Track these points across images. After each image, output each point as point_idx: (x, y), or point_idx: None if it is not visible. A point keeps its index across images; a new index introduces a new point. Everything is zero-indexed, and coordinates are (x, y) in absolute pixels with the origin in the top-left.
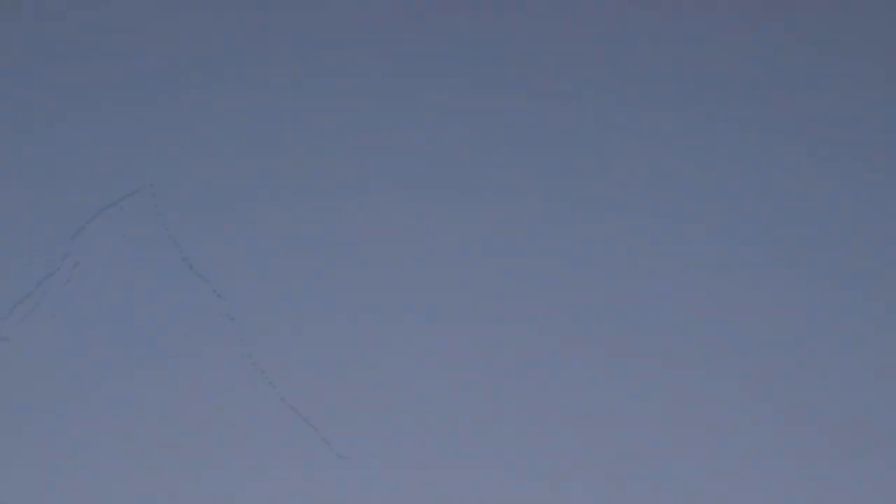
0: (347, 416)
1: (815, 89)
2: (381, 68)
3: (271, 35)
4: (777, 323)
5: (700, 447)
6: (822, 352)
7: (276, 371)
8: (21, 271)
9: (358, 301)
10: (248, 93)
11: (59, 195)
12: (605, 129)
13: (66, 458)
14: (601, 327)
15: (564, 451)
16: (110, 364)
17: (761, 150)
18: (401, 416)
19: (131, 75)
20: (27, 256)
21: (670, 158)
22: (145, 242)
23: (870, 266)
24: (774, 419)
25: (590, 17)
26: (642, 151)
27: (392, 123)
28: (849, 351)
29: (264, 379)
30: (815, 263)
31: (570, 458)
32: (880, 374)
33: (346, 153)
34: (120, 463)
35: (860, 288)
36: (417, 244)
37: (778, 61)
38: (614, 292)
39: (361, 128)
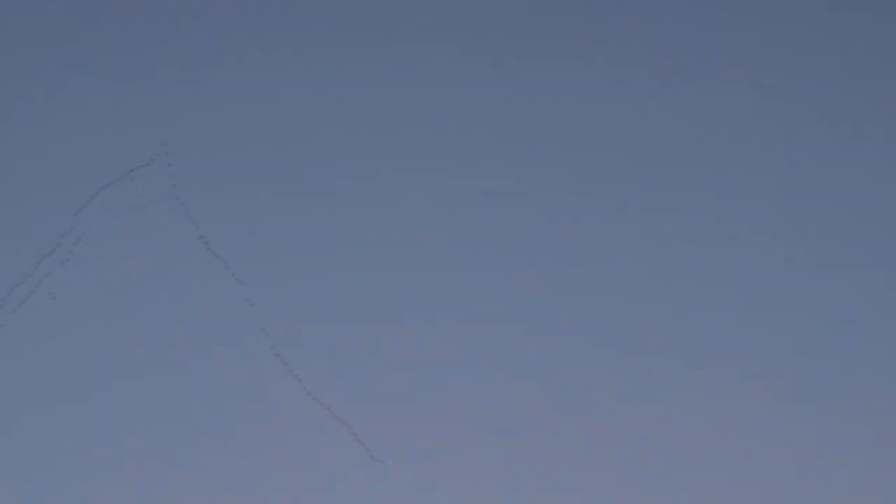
0: (373, 412)
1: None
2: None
3: (298, 8)
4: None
5: (713, 448)
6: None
7: (300, 363)
8: (18, 251)
9: (387, 292)
10: (276, 64)
11: (60, 167)
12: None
13: (66, 453)
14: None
15: (608, 453)
16: (114, 354)
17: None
18: (426, 415)
19: (145, 40)
20: (26, 234)
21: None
22: (157, 218)
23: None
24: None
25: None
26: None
27: (426, 108)
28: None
29: (288, 372)
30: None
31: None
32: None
33: (378, 133)
34: (128, 459)
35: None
36: (447, 233)
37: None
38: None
39: (390, 111)
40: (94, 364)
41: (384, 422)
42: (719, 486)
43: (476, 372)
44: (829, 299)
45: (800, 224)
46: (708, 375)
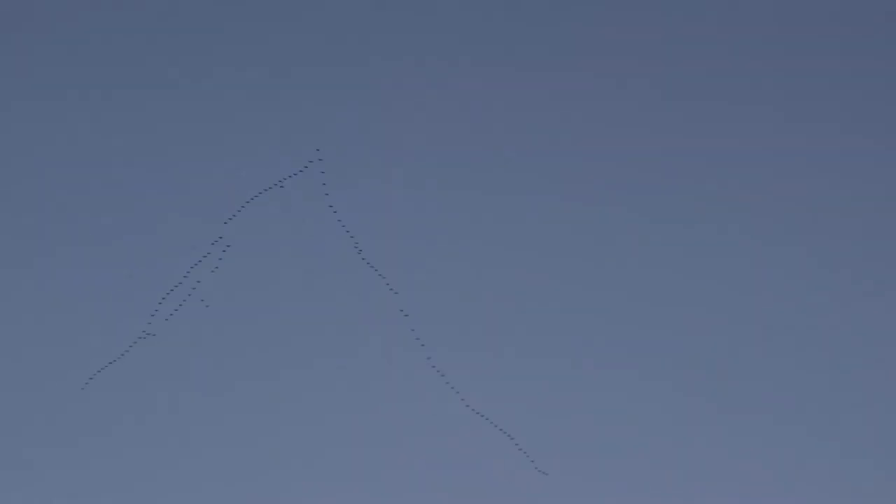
0: (531, 424)
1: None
2: None
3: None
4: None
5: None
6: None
7: (456, 375)
8: (169, 260)
9: (545, 304)
10: (434, 67)
11: (210, 176)
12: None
13: (219, 456)
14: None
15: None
16: (264, 362)
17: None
18: (584, 425)
19: (298, 42)
20: (177, 243)
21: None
22: (309, 226)
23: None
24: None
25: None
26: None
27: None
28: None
29: (445, 384)
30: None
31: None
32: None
33: (536, 142)
34: (274, 466)
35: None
36: (611, 237)
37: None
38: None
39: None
40: (244, 370)
41: (543, 433)
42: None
43: (637, 382)
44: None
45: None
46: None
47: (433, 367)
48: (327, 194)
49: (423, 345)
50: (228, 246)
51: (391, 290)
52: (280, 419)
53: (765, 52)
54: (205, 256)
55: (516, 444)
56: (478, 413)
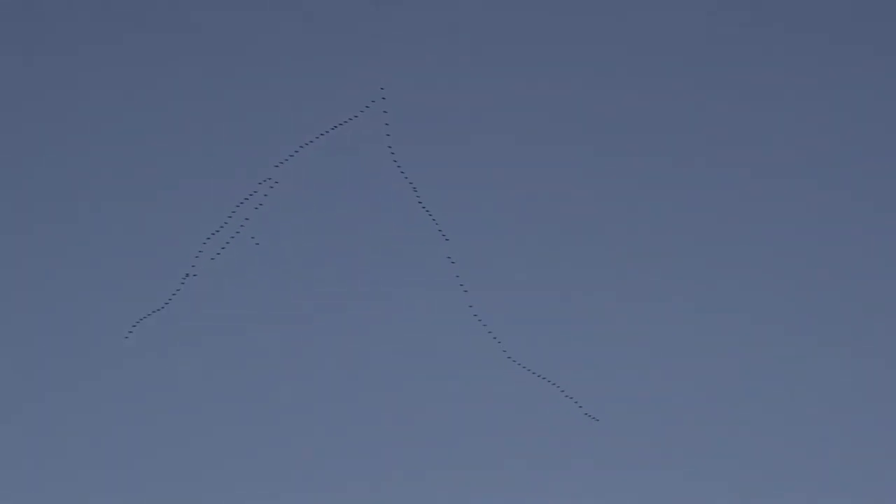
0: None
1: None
2: None
3: None
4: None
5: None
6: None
7: (498, 324)
8: (213, 202)
9: (593, 266)
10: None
11: (266, 118)
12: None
13: (274, 394)
14: None
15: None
16: (313, 298)
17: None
18: (627, 376)
19: None
20: (223, 179)
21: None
22: (367, 165)
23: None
24: None
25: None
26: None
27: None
28: None
29: (486, 332)
30: None
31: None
32: None
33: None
34: (328, 403)
35: None
36: (659, 210)
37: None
38: None
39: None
40: (292, 311)
41: (587, 383)
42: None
43: (681, 346)
44: None
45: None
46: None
47: (475, 315)
48: (388, 135)
49: (466, 290)
50: (276, 182)
51: (443, 235)
52: (317, 361)
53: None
54: (252, 194)
55: (562, 391)
56: (517, 363)
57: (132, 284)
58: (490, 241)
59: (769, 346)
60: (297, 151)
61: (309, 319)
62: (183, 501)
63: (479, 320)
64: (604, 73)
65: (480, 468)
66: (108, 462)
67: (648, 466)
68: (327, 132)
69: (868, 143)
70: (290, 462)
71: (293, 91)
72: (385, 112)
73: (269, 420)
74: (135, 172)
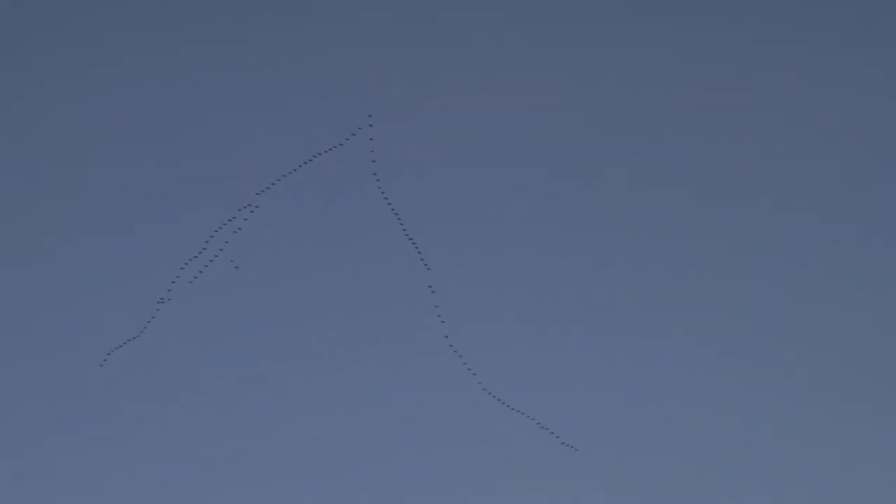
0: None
1: None
2: None
3: None
4: None
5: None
6: None
7: (475, 358)
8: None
9: (566, 299)
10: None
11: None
12: None
13: (249, 413)
14: None
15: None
16: (291, 325)
17: None
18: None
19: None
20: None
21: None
22: (352, 194)
23: None
24: None
25: None
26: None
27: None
28: None
29: (461, 364)
30: None
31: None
32: None
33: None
34: (292, 429)
35: None
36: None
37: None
38: None
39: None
40: (270, 336)
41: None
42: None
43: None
44: None
45: None
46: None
47: (450, 346)
48: (374, 161)
49: (443, 321)
50: (257, 207)
51: (425, 264)
52: (296, 384)
53: None
54: (230, 220)
55: (537, 423)
56: (491, 395)
57: (107, 312)
58: (471, 272)
59: (733, 380)
60: (278, 180)
61: (286, 347)
62: None
63: (455, 351)
64: (591, 105)
65: (459, 499)
66: (73, 487)
67: (627, 492)
68: (311, 160)
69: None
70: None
71: (280, 116)
72: (371, 139)
73: (241, 447)
74: (114, 195)
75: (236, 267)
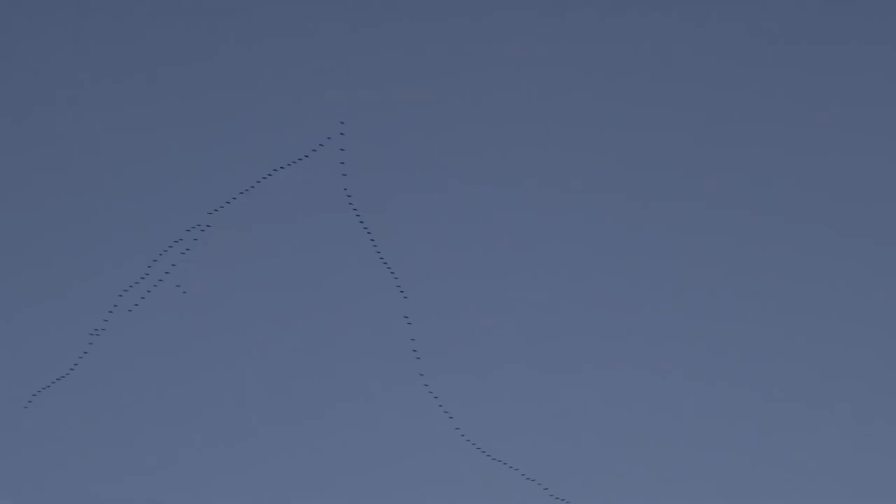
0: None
1: None
2: None
3: None
4: None
5: None
6: None
7: (450, 399)
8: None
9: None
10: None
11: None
12: None
13: (210, 439)
14: None
15: None
16: (255, 354)
17: None
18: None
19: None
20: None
21: None
22: (323, 208)
23: None
24: None
25: None
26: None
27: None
28: None
29: (438, 407)
30: None
31: None
32: None
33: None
34: (254, 460)
35: None
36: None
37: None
38: None
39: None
40: (228, 360)
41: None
42: None
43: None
44: None
45: None
46: None
47: (425, 385)
48: (345, 175)
49: (418, 357)
50: (209, 226)
51: (402, 293)
52: (259, 415)
53: None
54: (177, 241)
55: (522, 474)
56: (473, 444)
57: (34, 348)
58: (449, 303)
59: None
60: (235, 197)
61: (241, 378)
62: None
63: (430, 391)
64: (580, 122)
65: None
66: None
67: None
68: (272, 173)
69: None
70: None
71: (238, 126)
72: (342, 150)
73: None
74: (44, 212)
75: (184, 292)
